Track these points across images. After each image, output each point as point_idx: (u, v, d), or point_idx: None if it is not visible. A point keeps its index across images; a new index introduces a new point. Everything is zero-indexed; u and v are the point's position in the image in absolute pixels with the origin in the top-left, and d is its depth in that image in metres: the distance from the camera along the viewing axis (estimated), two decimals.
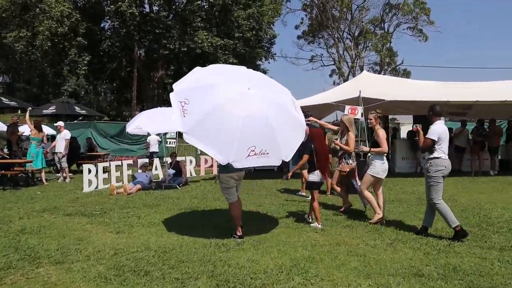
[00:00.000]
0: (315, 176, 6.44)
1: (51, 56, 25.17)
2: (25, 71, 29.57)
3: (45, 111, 14.00)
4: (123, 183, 11.26)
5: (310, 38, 41.34)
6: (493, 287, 3.97)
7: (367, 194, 6.69)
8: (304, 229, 6.30)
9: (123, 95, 34.30)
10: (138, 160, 13.08)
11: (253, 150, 5.12)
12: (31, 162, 11.54)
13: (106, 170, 12.03)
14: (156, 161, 12.81)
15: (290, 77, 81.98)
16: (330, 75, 43.94)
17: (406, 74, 38.71)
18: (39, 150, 11.88)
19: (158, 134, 18.26)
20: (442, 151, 5.57)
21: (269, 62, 39.94)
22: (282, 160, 5.44)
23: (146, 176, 11.23)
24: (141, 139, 19.05)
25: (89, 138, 16.08)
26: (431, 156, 5.61)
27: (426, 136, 5.67)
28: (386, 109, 15.58)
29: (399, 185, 10.86)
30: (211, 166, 14.72)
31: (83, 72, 25.63)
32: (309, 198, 6.84)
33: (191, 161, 14.31)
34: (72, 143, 15.07)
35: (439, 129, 5.60)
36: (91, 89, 28.60)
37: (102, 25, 29.84)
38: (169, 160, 12.16)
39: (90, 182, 10.82)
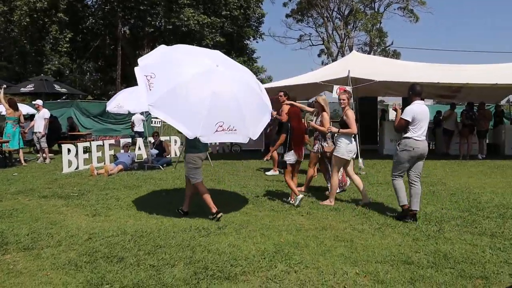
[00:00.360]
0: (290, 156, 6.40)
1: (31, 32, 24.23)
2: (5, 48, 28.57)
3: (22, 89, 13.41)
4: (104, 163, 10.92)
5: (299, 16, 40.22)
6: (485, 276, 3.78)
7: (335, 179, 6.58)
8: (289, 212, 6.07)
9: (108, 74, 33.47)
10: (121, 140, 12.70)
11: (221, 126, 5.06)
12: (7, 142, 11.08)
13: (87, 150, 11.66)
14: (139, 141, 12.43)
15: (278, 57, 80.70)
16: (319, 55, 42.93)
17: (396, 55, 37.86)
18: (16, 130, 11.39)
19: (142, 113, 17.90)
20: (414, 132, 5.42)
21: (257, 42, 39.15)
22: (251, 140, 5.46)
23: (129, 156, 10.87)
24: (125, 119, 18.58)
25: (70, 117, 15.57)
26: (403, 135, 5.51)
27: (400, 116, 5.52)
28: (374, 90, 15.40)
29: (387, 167, 10.68)
30: None
31: (65, 49, 24.79)
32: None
33: (175, 141, 13.96)
34: (53, 123, 14.60)
35: (415, 109, 5.43)
36: (75, 68, 27.82)
37: (85, 1, 28.84)
38: (152, 140, 11.80)
39: (70, 162, 10.44)
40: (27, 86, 13.77)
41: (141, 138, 12.08)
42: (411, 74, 12.31)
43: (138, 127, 17.62)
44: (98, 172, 9.75)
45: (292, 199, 6.53)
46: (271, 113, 6.51)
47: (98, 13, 25.99)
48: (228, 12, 28.42)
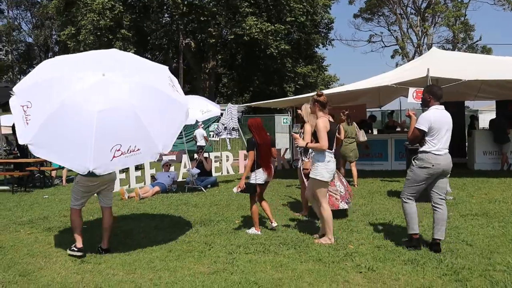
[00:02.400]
0: (258, 175, 5.40)
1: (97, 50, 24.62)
2: None
3: None
4: (144, 184, 9.77)
5: (368, 15, 36.53)
6: None
7: (327, 209, 5.04)
8: (342, 264, 4.24)
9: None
10: (182, 155, 11.59)
11: (118, 150, 4.20)
12: (43, 161, 10.32)
13: (139, 167, 10.73)
14: (184, 157, 11.17)
15: (346, 62, 76.51)
16: (392, 56, 38.56)
17: (486, 51, 32.00)
18: None
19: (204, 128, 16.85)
20: (433, 145, 4.56)
21: (326, 49, 37.02)
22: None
23: (168, 176, 9.59)
24: (185, 131, 17.57)
25: None
26: (421, 149, 4.69)
27: (415, 125, 4.68)
28: (461, 93, 12.89)
29: (483, 189, 8.33)
30: None
31: None
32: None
33: (227, 157, 12.54)
34: None
35: (431, 117, 4.57)
36: None
37: (150, 16, 28.99)
38: (196, 157, 10.49)
39: None
40: None
41: (186, 155, 10.79)
42: (509, 71, 9.79)
43: (200, 142, 16.62)
44: (129, 196, 8.55)
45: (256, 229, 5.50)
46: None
47: (159, 27, 25.65)
48: (293, 18, 26.90)
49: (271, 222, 5.62)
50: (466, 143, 13.50)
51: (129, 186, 9.77)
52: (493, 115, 15.89)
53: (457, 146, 13.26)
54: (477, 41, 33.55)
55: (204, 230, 5.71)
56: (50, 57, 39.40)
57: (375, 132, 15.45)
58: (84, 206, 5.05)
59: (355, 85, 11.44)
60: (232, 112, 9.51)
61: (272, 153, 5.63)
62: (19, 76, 40.83)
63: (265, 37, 25.39)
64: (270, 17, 26.85)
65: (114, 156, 4.22)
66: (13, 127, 10.82)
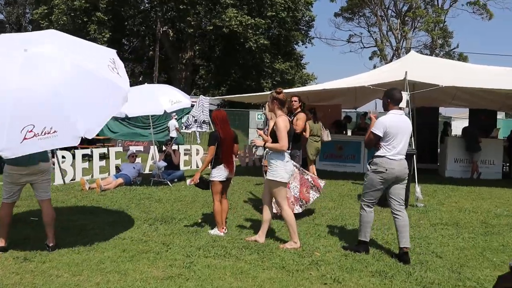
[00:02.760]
0: (219, 172, 5.09)
1: (70, 33, 23.70)
2: None
3: None
4: (109, 174, 9.32)
5: (349, 15, 36.14)
6: None
7: (288, 212, 4.78)
8: (306, 273, 3.99)
9: (152, 77, 32.68)
10: (151, 147, 11.12)
11: (30, 131, 3.84)
12: None
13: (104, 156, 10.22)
14: (152, 149, 10.73)
15: (324, 60, 76.36)
16: (371, 58, 37.88)
17: (463, 59, 31.71)
18: None
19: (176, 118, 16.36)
20: (388, 150, 4.44)
21: (306, 47, 36.80)
22: None
23: (134, 168, 9.16)
24: (155, 122, 17.06)
25: None
26: (376, 153, 4.57)
27: (371, 129, 4.56)
28: (436, 99, 12.89)
29: (453, 197, 8.27)
30: None
31: None
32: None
33: (197, 151, 12.15)
34: None
35: (387, 122, 4.45)
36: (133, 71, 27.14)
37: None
38: (164, 149, 10.09)
39: (65, 172, 8.90)
40: None
41: (154, 147, 10.35)
42: (487, 81, 9.75)
43: (172, 133, 16.15)
44: (90, 187, 8.10)
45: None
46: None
47: (136, 12, 24.87)
48: (274, 14, 26.56)
49: (222, 228, 5.26)
50: (438, 149, 13.53)
51: (92, 176, 9.31)
52: (465, 123, 16.05)
53: (430, 151, 13.33)
54: (454, 48, 33.68)
55: (163, 229, 5.37)
56: None
57: (349, 133, 15.34)
58: (15, 200, 4.61)
59: (331, 84, 11.24)
60: (203, 105, 9.17)
61: (234, 150, 5.33)
62: None
63: (244, 31, 24.95)
64: (251, 11, 26.44)
65: (25, 138, 3.82)
66: None
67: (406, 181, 4.63)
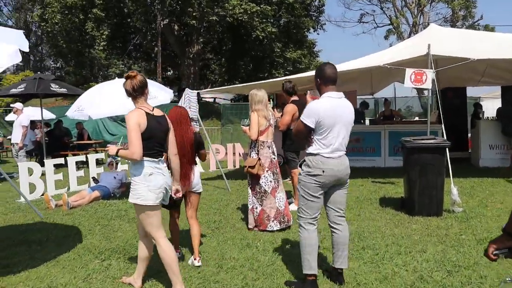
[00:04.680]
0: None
1: (65, 31, 22.81)
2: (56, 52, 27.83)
3: (13, 91, 11.11)
4: (89, 185, 8.10)
5: None
6: None
7: (165, 248, 3.33)
8: None
9: (164, 74, 31.51)
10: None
11: None
12: None
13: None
14: None
15: (335, 44, 72.90)
16: (386, 37, 35.00)
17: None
18: None
19: None
20: (322, 145, 3.33)
21: (318, 33, 34.83)
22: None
23: (115, 177, 7.87)
24: None
25: (79, 123, 13.05)
26: (307, 150, 3.46)
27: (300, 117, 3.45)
28: (463, 78, 11.22)
29: (495, 194, 6.72)
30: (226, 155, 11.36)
31: (102, 48, 22.92)
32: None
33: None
34: (54, 130, 12.33)
35: (320, 109, 3.32)
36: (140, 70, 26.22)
37: None
38: None
39: (34, 185, 7.71)
40: (18, 87, 11.49)
41: None
42: None
43: None
44: (57, 204, 6.85)
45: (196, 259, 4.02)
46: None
47: (135, 6, 23.66)
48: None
49: (195, 258, 4.03)
50: (469, 135, 11.84)
51: (68, 190, 8.11)
52: (496, 103, 14.24)
53: (459, 138, 11.62)
54: (478, 20, 30.55)
55: (116, 267, 4.04)
56: (31, 41, 37.62)
57: (367, 122, 13.79)
58: None
59: (340, 66, 9.70)
60: (190, 100, 7.82)
61: (194, 156, 4.08)
62: None
63: (250, 19, 23.50)
64: None
65: None
66: None
67: (347, 185, 3.56)
